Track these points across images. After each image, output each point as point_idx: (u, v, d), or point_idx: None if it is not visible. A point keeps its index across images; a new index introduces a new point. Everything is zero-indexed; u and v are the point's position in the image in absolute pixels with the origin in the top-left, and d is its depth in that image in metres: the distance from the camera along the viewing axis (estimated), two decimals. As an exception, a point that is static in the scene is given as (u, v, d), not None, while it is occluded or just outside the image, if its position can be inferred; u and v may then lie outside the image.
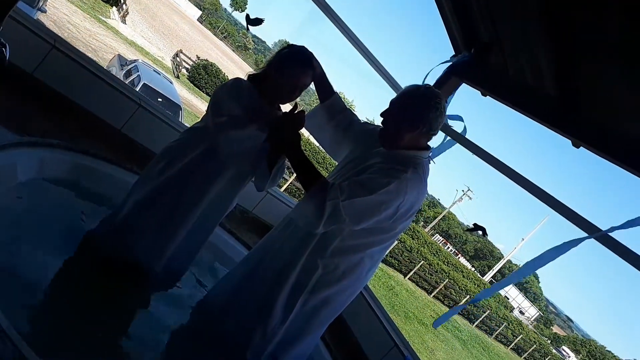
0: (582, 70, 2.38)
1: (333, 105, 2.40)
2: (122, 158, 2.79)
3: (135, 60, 16.39)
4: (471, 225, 2.89)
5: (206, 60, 27.49)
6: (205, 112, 2.20)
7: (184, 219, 2.14)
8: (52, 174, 2.14)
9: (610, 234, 2.37)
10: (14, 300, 1.52)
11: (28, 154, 2.05)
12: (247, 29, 2.59)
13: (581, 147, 2.75)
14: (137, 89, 12.62)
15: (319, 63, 2.25)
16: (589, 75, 2.38)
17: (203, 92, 25.89)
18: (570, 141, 2.77)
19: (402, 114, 2.05)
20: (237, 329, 2.15)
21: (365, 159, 2.14)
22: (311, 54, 2.19)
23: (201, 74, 26.14)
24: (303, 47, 2.20)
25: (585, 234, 2.59)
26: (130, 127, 2.94)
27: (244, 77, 2.23)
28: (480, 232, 2.84)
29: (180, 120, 11.18)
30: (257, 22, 2.55)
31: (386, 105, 2.17)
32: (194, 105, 21.93)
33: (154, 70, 16.80)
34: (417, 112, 2.03)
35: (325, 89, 2.37)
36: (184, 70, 27.28)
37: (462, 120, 3.29)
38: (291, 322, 2.11)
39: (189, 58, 28.00)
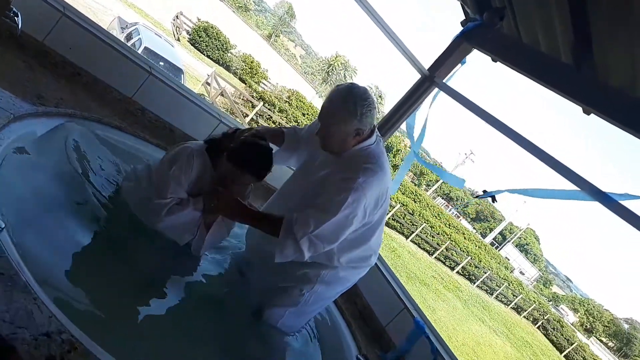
0: (598, 36, 2.36)
1: (289, 143, 2.45)
2: (134, 126, 2.81)
3: (135, 23, 16.11)
4: (480, 192, 2.93)
5: (207, 22, 27.00)
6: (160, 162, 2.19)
7: None
8: (70, 142, 2.16)
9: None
10: (48, 269, 1.58)
11: (46, 124, 2.07)
12: None
13: (592, 114, 2.76)
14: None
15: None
16: (604, 41, 2.36)
17: (204, 54, 25.55)
18: (581, 108, 2.78)
19: (340, 130, 2.06)
20: (259, 292, 2.32)
21: (318, 165, 2.21)
22: (271, 159, 2.17)
23: (202, 37, 25.75)
24: (266, 150, 2.17)
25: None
26: (141, 94, 2.94)
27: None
28: (489, 199, 2.89)
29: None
30: None
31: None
32: (195, 68, 21.69)
33: (155, 34, 16.54)
34: (354, 124, 2.04)
35: (277, 138, 2.42)
36: (184, 33, 26.83)
37: None
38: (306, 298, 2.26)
39: (190, 20, 27.49)
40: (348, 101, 2.03)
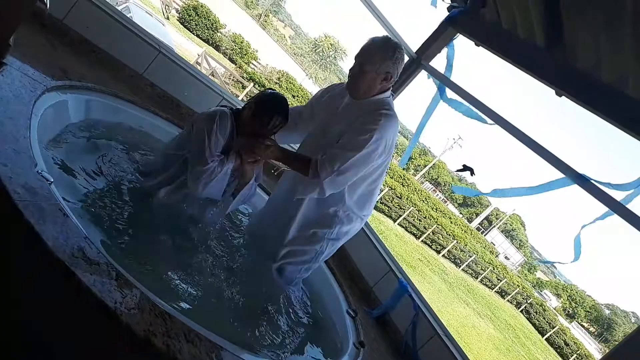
0: (568, 23, 2.60)
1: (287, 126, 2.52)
2: (145, 100, 3.04)
3: (127, 1, 16.06)
4: (460, 166, 3.19)
5: (196, 0, 26.82)
6: (186, 131, 2.39)
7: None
8: (93, 114, 2.42)
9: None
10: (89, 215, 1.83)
11: (74, 97, 2.31)
12: None
13: (563, 97, 3.02)
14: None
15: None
16: (574, 28, 2.60)
17: (193, 34, 25.45)
18: (553, 91, 3.04)
19: (374, 69, 2.34)
20: (268, 249, 2.60)
21: (335, 123, 2.45)
22: (286, 101, 2.36)
23: (191, 16, 25.57)
24: (281, 96, 2.37)
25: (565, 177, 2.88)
26: (151, 71, 3.17)
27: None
28: (469, 172, 3.15)
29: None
30: None
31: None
32: (186, 48, 21.66)
33: (146, 12, 16.51)
34: (388, 67, 2.34)
35: None
36: (173, 12, 26.66)
37: None
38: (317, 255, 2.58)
39: (179, -2, 27.30)
40: (388, 44, 2.35)
